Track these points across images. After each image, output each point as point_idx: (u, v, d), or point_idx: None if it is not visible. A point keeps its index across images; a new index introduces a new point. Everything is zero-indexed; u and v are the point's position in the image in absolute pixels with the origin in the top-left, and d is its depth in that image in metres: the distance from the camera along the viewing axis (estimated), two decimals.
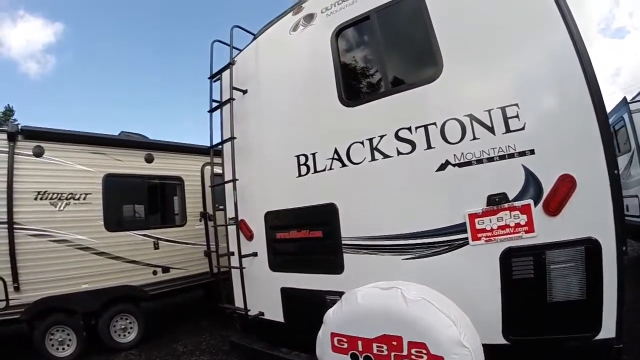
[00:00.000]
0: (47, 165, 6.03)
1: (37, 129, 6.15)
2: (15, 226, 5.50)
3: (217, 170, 4.90)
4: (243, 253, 4.13)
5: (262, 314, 4.17)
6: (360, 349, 2.82)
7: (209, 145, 4.75)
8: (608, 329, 2.56)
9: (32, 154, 5.91)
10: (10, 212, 5.47)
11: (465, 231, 2.94)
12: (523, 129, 2.78)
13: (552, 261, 2.67)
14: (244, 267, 4.10)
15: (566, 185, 2.63)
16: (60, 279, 5.83)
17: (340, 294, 3.24)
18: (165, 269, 7.11)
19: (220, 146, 4.60)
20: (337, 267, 3.57)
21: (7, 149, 5.64)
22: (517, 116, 2.81)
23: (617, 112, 8.49)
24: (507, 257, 2.80)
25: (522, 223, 2.75)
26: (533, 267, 2.72)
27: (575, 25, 2.74)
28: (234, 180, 4.17)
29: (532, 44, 2.91)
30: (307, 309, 3.73)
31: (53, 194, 5.97)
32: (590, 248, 2.57)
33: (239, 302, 4.30)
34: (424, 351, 2.53)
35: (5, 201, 5.47)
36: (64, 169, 6.18)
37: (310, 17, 4.10)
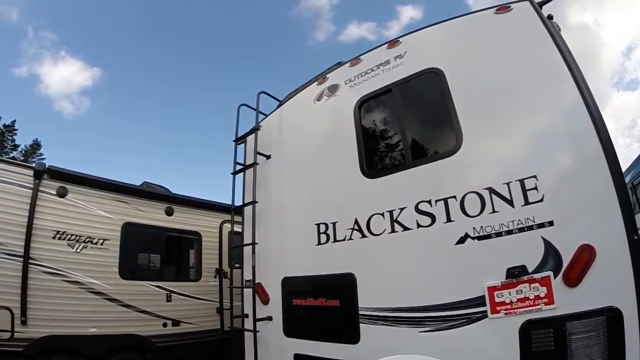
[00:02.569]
0: (69, 207, 6.22)
1: (63, 170, 6.39)
2: (30, 261, 5.59)
3: (237, 228, 5.06)
4: (258, 317, 4.21)
5: None
6: None
7: (230, 204, 4.95)
8: None
9: (55, 193, 6.11)
10: (27, 247, 5.58)
11: (484, 304, 2.96)
12: (542, 200, 2.87)
13: (573, 332, 2.63)
14: (258, 331, 4.16)
15: (586, 255, 2.66)
16: (68, 319, 5.84)
17: None
18: (176, 322, 7.11)
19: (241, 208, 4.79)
20: (352, 337, 3.61)
21: (32, 186, 5.83)
22: (535, 188, 2.90)
23: (636, 167, 8.38)
24: (527, 330, 2.79)
25: (542, 295, 2.77)
26: (553, 339, 2.70)
27: (588, 89, 2.92)
28: (253, 244, 4.33)
29: (547, 112, 3.09)
30: None
31: (71, 235, 6.10)
32: (612, 317, 2.55)
33: None
34: None
35: (24, 235, 5.60)
36: (85, 212, 6.36)
37: (334, 88, 4.39)
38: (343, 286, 3.74)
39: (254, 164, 4.56)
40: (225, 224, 8.24)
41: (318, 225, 4.07)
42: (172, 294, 7.19)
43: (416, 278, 3.37)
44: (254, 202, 4.44)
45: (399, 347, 3.18)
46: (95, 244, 6.36)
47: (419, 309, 3.27)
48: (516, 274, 2.88)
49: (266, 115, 5.05)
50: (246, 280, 4.54)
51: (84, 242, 6.23)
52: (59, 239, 5.99)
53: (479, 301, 3.00)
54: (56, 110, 66.58)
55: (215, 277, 7.96)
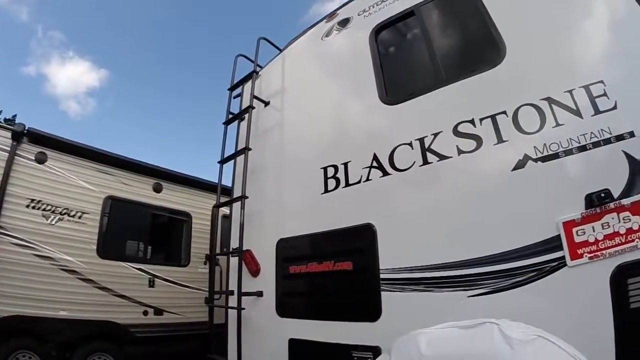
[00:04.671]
0: (48, 174, 5.59)
1: (44, 134, 5.74)
2: None
3: (227, 211, 4.17)
4: (245, 291, 3.26)
5: None
6: None
7: (228, 186, 4.13)
8: None
9: (34, 159, 5.49)
10: None
11: (559, 247, 2.12)
12: (615, 107, 2.21)
13: None
14: (243, 308, 3.19)
15: None
16: (37, 298, 5.05)
17: (374, 349, 2.42)
18: (158, 311, 6.24)
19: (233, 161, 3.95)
20: (371, 312, 2.62)
21: (8, 148, 5.23)
22: (605, 94, 2.25)
23: None
24: (621, 278, 1.98)
25: (636, 228, 2.00)
26: None
27: None
28: (243, 197, 3.42)
29: (599, 12, 2.61)
30: None
31: (47, 205, 5.43)
32: None
33: (232, 355, 3.30)
34: None
35: None
36: (65, 182, 5.69)
37: (345, 22, 3.77)
38: (358, 242, 2.81)
39: (250, 107, 3.76)
40: (220, 208, 7.37)
41: (325, 168, 3.16)
42: (155, 279, 6.33)
43: (461, 221, 2.46)
44: (246, 149, 3.57)
45: (439, 321, 1.94)
46: (73, 217, 5.62)
47: (468, 264, 2.34)
48: (599, 200, 2.08)
49: (266, 64, 4.36)
50: (233, 249, 3.58)
51: (61, 213, 5.51)
52: (33, 208, 5.32)
53: (553, 244, 2.14)
54: (62, 110, 65.02)
55: (205, 263, 7.04)
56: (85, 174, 5.93)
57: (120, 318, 5.76)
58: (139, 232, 6.67)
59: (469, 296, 2.32)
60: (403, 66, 3.39)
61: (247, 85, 4.10)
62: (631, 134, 2.13)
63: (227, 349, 3.43)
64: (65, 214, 5.55)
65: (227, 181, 4.09)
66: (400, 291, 2.55)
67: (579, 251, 2.09)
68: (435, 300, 2.42)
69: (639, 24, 2.37)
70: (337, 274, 2.86)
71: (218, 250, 6.51)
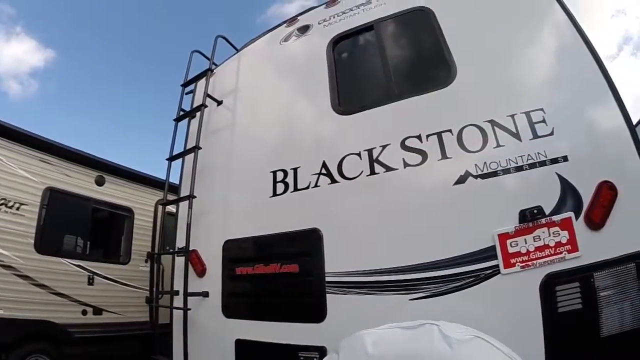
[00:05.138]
0: None
1: None
2: None
3: (171, 209, 3.95)
4: (191, 291, 3.10)
5: None
6: None
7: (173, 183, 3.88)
8: None
9: None
10: None
11: (494, 257, 2.23)
12: (552, 134, 2.36)
13: (602, 285, 2.09)
14: (189, 309, 3.03)
15: (607, 193, 2.18)
16: None
17: (320, 349, 2.39)
18: (98, 311, 5.70)
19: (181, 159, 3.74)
20: (316, 313, 2.60)
21: None
22: (543, 121, 2.40)
23: None
24: (550, 285, 2.13)
25: (564, 241, 2.16)
26: (581, 294, 2.10)
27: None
28: (191, 197, 3.23)
29: (546, 43, 2.75)
30: None
31: None
32: None
33: (178, 356, 3.13)
34: None
35: None
36: (2, 170, 5.05)
37: (305, 29, 3.71)
38: (305, 246, 2.76)
39: (202, 105, 3.56)
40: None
41: (274, 172, 3.08)
42: (95, 277, 5.78)
43: (403, 229, 2.51)
44: (196, 148, 3.38)
45: (382, 322, 2.01)
46: (10, 207, 5.01)
47: (409, 269, 2.39)
48: (532, 216, 2.22)
49: (221, 63, 4.17)
50: (178, 248, 3.40)
51: None
52: None
53: (489, 253, 2.25)
54: (2, 90, 59.12)
55: (146, 261, 6.57)
56: (25, 162, 5.32)
57: (58, 317, 5.21)
58: (79, 227, 6.09)
59: (410, 299, 2.37)
60: (357, 78, 3.37)
61: (201, 83, 3.90)
62: (565, 158, 2.29)
63: (172, 350, 3.25)
64: (2, 204, 4.96)
65: (174, 178, 3.85)
66: (345, 294, 2.55)
67: (512, 260, 2.21)
68: (378, 302, 2.44)
69: (580, 59, 2.52)
70: (283, 276, 2.81)
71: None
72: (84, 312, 5.53)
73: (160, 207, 6.70)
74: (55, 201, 5.53)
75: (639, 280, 2.08)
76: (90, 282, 5.69)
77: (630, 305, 2.08)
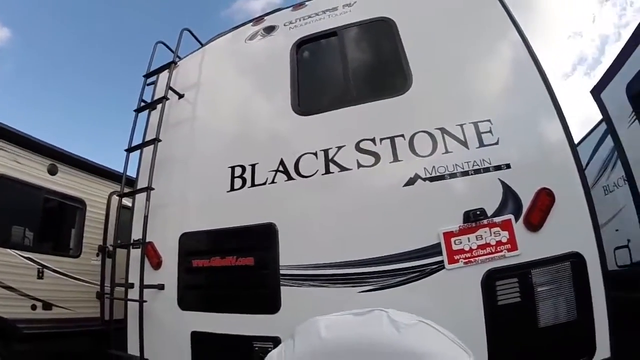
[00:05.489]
0: None
1: None
2: None
3: (127, 202, 3.76)
4: (147, 283, 3.01)
5: None
6: None
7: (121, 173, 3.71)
8: (603, 349, 2.19)
9: None
10: None
11: (439, 253, 2.34)
12: (497, 143, 2.51)
13: (539, 280, 2.24)
14: (145, 301, 2.93)
15: (545, 198, 2.35)
16: None
17: (274, 339, 2.39)
18: (48, 306, 5.28)
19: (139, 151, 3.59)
20: (270, 305, 2.60)
21: None
22: (490, 131, 2.55)
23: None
24: (490, 280, 2.26)
25: (504, 241, 2.31)
26: (519, 289, 2.24)
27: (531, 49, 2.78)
28: (148, 189, 3.13)
29: (497, 59, 2.93)
30: None
31: None
32: (576, 263, 2.25)
33: (133, 349, 3.02)
34: None
35: None
36: None
37: (271, 29, 3.68)
38: (260, 240, 2.75)
39: (164, 97, 3.45)
40: (115, 196, 6.48)
41: (232, 168, 3.03)
42: (45, 270, 5.36)
43: (355, 226, 2.57)
44: (156, 140, 3.27)
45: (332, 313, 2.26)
46: None
47: (359, 264, 2.46)
48: (475, 217, 2.36)
49: (185, 56, 4.07)
50: (134, 240, 3.29)
51: None
52: None
53: (434, 250, 2.37)
54: None
55: (97, 255, 6.22)
56: None
57: (6, 312, 4.79)
58: (29, 217, 5.63)
59: (359, 292, 2.43)
60: (318, 81, 3.40)
61: (163, 75, 3.78)
62: (507, 166, 2.44)
63: (126, 344, 3.14)
64: None
65: (131, 171, 3.69)
66: (299, 286, 2.57)
67: (456, 257, 2.33)
68: (330, 295, 2.48)
69: (528, 77, 2.69)
70: (239, 269, 2.78)
71: (111, 242, 5.85)
72: (34, 307, 5.13)
73: (112, 200, 6.41)
74: (6, 189, 5.08)
75: (573, 278, 2.24)
76: (40, 275, 5.28)
77: (564, 299, 2.23)
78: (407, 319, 1.87)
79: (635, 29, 4.82)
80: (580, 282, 2.24)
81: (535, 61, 2.70)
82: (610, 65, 5.53)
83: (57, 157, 5.89)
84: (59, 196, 5.89)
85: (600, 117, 6.35)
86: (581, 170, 2.44)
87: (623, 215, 6.47)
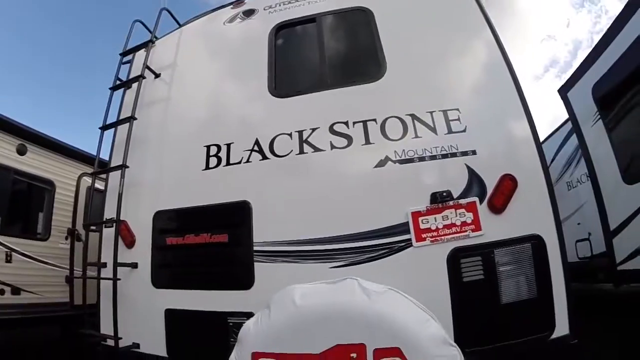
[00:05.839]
0: None
1: None
2: None
3: (99, 186, 3.70)
4: (120, 262, 2.99)
5: (137, 345, 2.92)
6: None
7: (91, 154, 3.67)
8: (563, 326, 2.35)
9: None
10: None
11: (407, 231, 2.45)
12: (465, 131, 2.65)
13: (501, 260, 2.38)
14: (119, 279, 2.92)
15: (508, 183, 2.49)
16: None
17: (248, 315, 2.41)
18: (16, 290, 5.15)
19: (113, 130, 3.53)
20: (244, 281, 2.64)
21: None
22: (458, 119, 2.69)
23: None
24: (455, 258, 2.40)
25: (469, 221, 2.44)
26: (483, 267, 2.38)
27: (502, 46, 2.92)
28: (123, 167, 3.10)
29: (468, 52, 3.04)
30: (199, 338, 2.70)
31: None
32: (536, 244, 2.40)
33: (106, 329, 3.01)
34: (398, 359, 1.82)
35: None
36: None
37: (250, 12, 3.68)
38: (235, 217, 2.79)
39: (141, 76, 3.41)
40: (84, 177, 6.37)
41: (208, 147, 3.05)
42: (12, 254, 5.21)
43: (326, 204, 2.64)
44: (132, 118, 3.24)
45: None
46: None
47: (331, 240, 2.53)
48: (441, 198, 2.48)
49: (163, 36, 4.00)
50: (107, 219, 3.23)
51: None
52: None
53: (402, 228, 2.48)
54: None
55: (66, 238, 6.07)
56: None
57: None
58: None
59: (330, 267, 2.51)
60: (295, 65, 3.44)
61: (140, 54, 3.73)
62: (474, 152, 2.58)
63: (99, 324, 3.13)
64: None
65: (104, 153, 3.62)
66: (272, 262, 2.63)
67: (423, 235, 2.44)
68: (302, 270, 2.54)
69: (498, 73, 2.82)
70: (213, 246, 2.81)
71: (80, 225, 5.77)
72: (2, 292, 5.01)
73: (82, 182, 6.27)
74: None
75: (533, 258, 2.38)
76: (8, 259, 5.14)
77: (525, 278, 2.37)
78: (376, 287, 1.98)
79: (605, 33, 5.01)
80: (540, 262, 2.38)
81: (506, 59, 2.84)
82: (579, 66, 5.74)
83: (26, 136, 5.72)
84: (27, 177, 5.74)
85: (566, 116, 6.56)
86: (543, 159, 2.58)
87: (585, 210, 6.76)
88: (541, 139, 2.79)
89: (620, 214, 5.03)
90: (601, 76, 5.15)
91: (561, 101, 6.18)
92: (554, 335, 2.34)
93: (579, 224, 6.98)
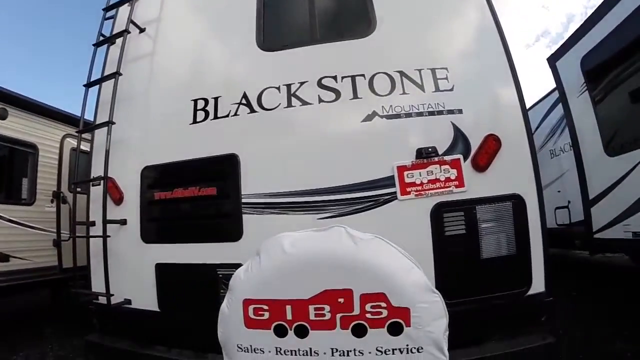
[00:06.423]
0: None
1: None
2: None
3: (84, 147, 3.58)
4: (109, 219, 2.98)
5: (129, 301, 2.96)
6: (289, 317, 2.00)
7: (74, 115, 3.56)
8: (539, 283, 2.46)
9: None
10: None
11: (393, 185, 2.49)
12: (452, 90, 2.66)
13: (483, 217, 2.45)
14: (109, 236, 2.91)
15: (492, 143, 2.53)
16: None
17: (237, 266, 2.41)
18: (4, 257, 5.12)
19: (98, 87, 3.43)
20: (233, 233, 2.66)
21: None
22: (446, 78, 2.69)
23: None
24: (438, 212, 2.45)
25: (453, 177, 2.49)
26: (465, 222, 2.45)
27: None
28: (110, 123, 3.05)
29: (459, 17, 2.99)
30: (190, 291, 2.73)
31: None
32: (517, 203, 2.47)
33: (97, 287, 3.04)
34: (383, 304, 1.90)
35: None
36: None
37: None
38: (223, 170, 2.78)
39: (125, 31, 3.30)
40: (67, 139, 6.29)
41: (195, 101, 3.00)
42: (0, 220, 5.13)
43: (314, 157, 2.66)
44: (117, 74, 3.16)
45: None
46: None
47: (318, 192, 2.56)
48: (427, 154, 2.52)
49: None
50: (94, 177, 3.22)
51: None
52: None
53: (388, 182, 2.52)
54: None
55: (52, 201, 6.03)
56: None
57: None
58: None
59: (318, 219, 2.54)
60: (284, 19, 3.34)
61: (123, 9, 3.59)
62: (460, 111, 2.60)
63: (90, 283, 3.16)
64: None
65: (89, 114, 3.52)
66: (260, 214, 2.65)
67: (408, 189, 2.49)
68: (290, 221, 2.56)
69: (488, 36, 2.83)
70: (202, 199, 2.81)
71: (65, 187, 5.71)
72: None
73: (66, 143, 6.20)
74: None
75: (513, 217, 2.46)
76: None
77: (505, 235, 2.46)
78: (363, 235, 2.02)
79: (599, 6, 5.00)
80: (520, 221, 2.45)
81: (497, 23, 2.85)
82: (570, 36, 5.75)
83: (7, 100, 5.56)
84: (9, 142, 5.61)
85: (553, 86, 6.59)
86: (527, 122, 2.63)
87: (566, 179, 6.90)
88: (528, 105, 2.81)
89: (600, 185, 5.19)
90: (591, 48, 5.20)
91: (549, 70, 6.19)
92: (530, 292, 2.44)
93: (559, 191, 7.14)
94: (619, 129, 4.97)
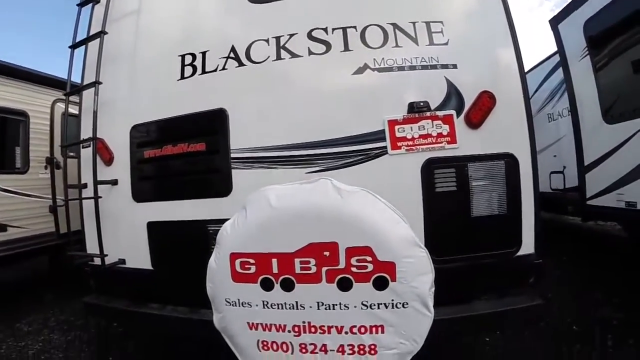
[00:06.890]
0: None
1: None
2: None
3: (73, 110, 3.54)
4: (100, 180, 2.94)
5: (123, 261, 2.98)
6: (275, 270, 1.98)
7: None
8: (528, 245, 2.44)
9: None
10: None
11: (383, 139, 2.43)
12: (447, 44, 2.54)
13: (474, 175, 2.40)
14: (100, 197, 2.89)
15: (486, 100, 2.44)
16: None
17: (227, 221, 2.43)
18: (2, 227, 5.11)
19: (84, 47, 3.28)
20: (223, 188, 2.64)
21: None
22: (441, 32, 2.56)
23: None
24: (429, 168, 2.40)
25: (445, 133, 2.41)
26: (456, 179, 2.40)
27: None
28: (97, 84, 2.95)
29: None
30: (181, 248, 2.73)
31: None
32: (510, 163, 2.42)
33: (92, 249, 3.05)
34: (369, 258, 1.87)
35: None
36: None
37: None
38: (211, 125, 2.72)
39: None
40: (58, 104, 6.16)
41: (183, 56, 2.89)
42: None
43: (303, 110, 2.58)
44: (102, 33, 3.03)
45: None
46: None
47: (307, 146, 2.51)
48: (418, 108, 2.43)
49: None
50: (84, 139, 3.15)
51: None
52: None
53: (378, 136, 2.45)
54: None
55: (46, 168, 5.97)
56: None
57: None
58: None
59: (307, 172, 2.49)
60: None
61: None
62: (454, 66, 2.50)
63: (85, 245, 3.17)
64: None
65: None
66: (249, 168, 2.61)
67: (399, 144, 2.42)
68: (279, 175, 2.52)
69: None
70: (191, 155, 2.77)
71: (58, 153, 5.65)
72: None
73: (56, 108, 6.08)
74: None
75: (506, 176, 2.41)
76: None
77: (496, 194, 2.42)
78: (349, 187, 1.98)
79: None
80: (512, 180, 2.41)
81: None
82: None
83: None
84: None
85: (555, 49, 6.43)
86: (524, 80, 2.54)
87: (562, 144, 6.82)
88: (528, 67, 2.70)
89: (596, 152, 5.14)
90: (595, 13, 5.04)
91: (551, 32, 6.03)
92: (519, 253, 2.43)
93: (555, 156, 7.08)
94: (619, 96, 4.88)
